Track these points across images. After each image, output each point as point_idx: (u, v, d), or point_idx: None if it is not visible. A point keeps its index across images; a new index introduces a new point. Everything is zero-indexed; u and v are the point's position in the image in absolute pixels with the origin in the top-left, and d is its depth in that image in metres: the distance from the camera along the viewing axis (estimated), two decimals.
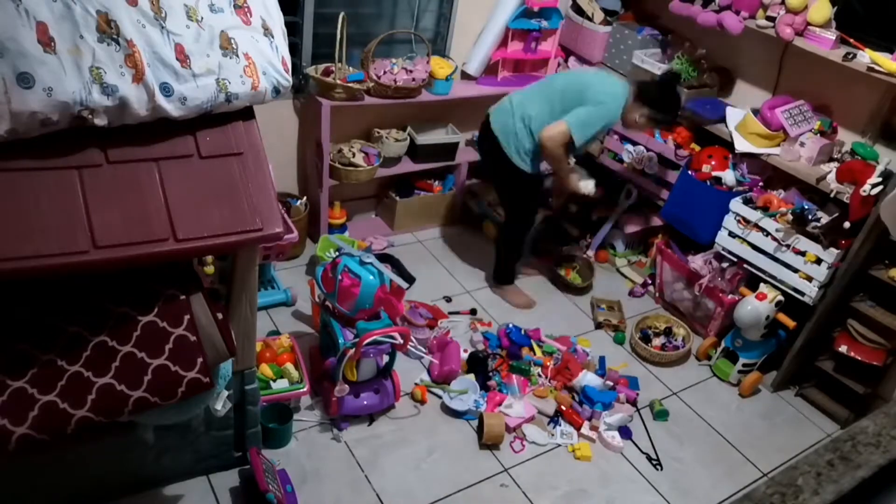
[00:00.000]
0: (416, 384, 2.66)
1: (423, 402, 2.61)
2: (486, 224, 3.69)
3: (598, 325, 3.22)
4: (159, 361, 1.54)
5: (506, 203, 3.22)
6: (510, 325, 2.96)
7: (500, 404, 2.60)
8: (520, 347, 2.88)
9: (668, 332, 3.15)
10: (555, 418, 2.63)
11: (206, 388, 1.59)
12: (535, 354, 2.88)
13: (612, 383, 2.78)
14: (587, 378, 2.75)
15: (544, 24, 3.44)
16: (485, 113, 3.00)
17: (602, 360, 2.96)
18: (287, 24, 1.77)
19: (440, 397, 2.63)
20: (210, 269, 2.57)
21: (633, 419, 2.71)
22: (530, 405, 2.64)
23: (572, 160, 3.01)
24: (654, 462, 2.56)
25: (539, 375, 2.78)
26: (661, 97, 2.81)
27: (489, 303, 3.22)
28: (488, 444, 2.47)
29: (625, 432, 2.64)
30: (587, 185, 2.98)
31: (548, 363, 2.83)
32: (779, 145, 2.90)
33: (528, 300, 3.25)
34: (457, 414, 2.57)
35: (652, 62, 3.36)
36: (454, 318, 3.03)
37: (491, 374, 2.73)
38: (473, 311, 3.12)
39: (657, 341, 3.09)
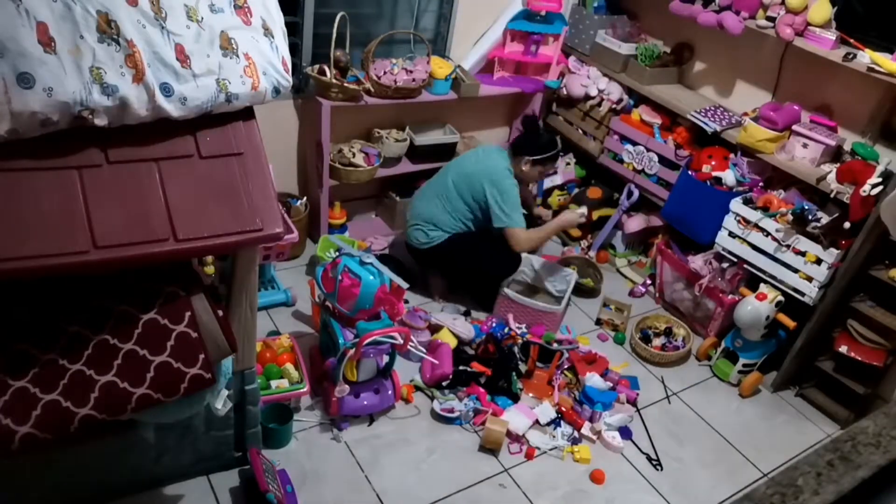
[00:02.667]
0: (403, 384, 2.64)
1: (408, 401, 2.60)
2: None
3: (598, 322, 3.22)
4: (161, 358, 1.54)
5: (473, 268, 3.08)
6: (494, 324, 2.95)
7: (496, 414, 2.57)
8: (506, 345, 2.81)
9: (668, 333, 3.15)
10: (556, 421, 2.63)
11: (208, 384, 1.60)
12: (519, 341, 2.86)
13: (611, 384, 2.78)
14: (593, 380, 2.75)
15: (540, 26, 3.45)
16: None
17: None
18: (287, 24, 1.77)
19: (431, 398, 2.63)
20: (210, 269, 2.57)
21: (633, 419, 2.71)
22: (530, 411, 2.63)
23: (545, 212, 3.32)
24: (654, 462, 2.56)
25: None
26: (530, 144, 2.99)
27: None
28: (487, 448, 2.47)
29: (625, 432, 2.64)
30: (576, 216, 3.05)
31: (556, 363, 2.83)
32: (783, 147, 2.90)
33: None
34: (446, 420, 2.55)
35: (614, 41, 3.52)
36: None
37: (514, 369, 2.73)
38: (467, 313, 3.11)
39: (657, 341, 3.09)
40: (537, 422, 2.60)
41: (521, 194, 3.14)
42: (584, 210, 3.08)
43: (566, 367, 2.85)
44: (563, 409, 2.65)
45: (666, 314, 3.32)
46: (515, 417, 2.56)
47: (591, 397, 2.67)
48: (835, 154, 2.82)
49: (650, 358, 3.04)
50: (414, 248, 3.08)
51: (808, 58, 2.80)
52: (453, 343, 2.78)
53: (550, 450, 2.52)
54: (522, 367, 2.78)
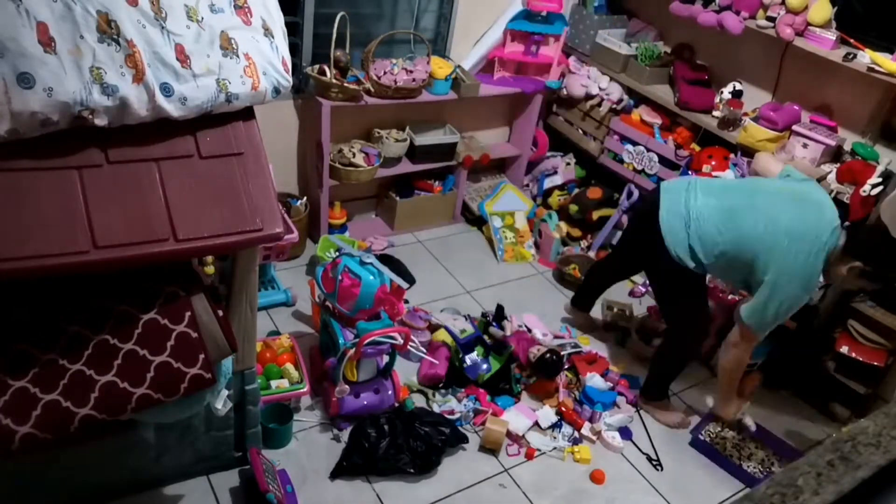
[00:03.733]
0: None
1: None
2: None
3: (606, 327, 3.22)
4: (161, 358, 1.54)
5: (667, 304, 2.62)
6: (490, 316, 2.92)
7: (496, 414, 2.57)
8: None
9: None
10: (556, 422, 2.62)
11: (208, 384, 1.60)
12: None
13: (611, 384, 2.78)
14: (594, 380, 2.75)
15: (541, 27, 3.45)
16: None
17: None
18: (287, 24, 1.77)
19: (426, 398, 2.63)
20: (210, 269, 2.57)
21: (633, 420, 2.71)
22: (531, 412, 2.63)
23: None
24: (655, 463, 2.56)
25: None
26: (882, 255, 2.19)
27: (489, 303, 3.22)
28: (487, 448, 2.47)
29: (625, 433, 2.64)
30: (735, 409, 2.61)
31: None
32: (783, 147, 2.90)
33: (682, 419, 2.73)
34: None
35: (615, 41, 3.50)
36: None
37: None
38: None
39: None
40: (538, 424, 2.60)
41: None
42: (738, 410, 2.61)
43: (566, 366, 2.84)
44: (564, 409, 2.65)
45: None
46: (516, 418, 2.56)
47: (592, 397, 2.67)
48: (835, 154, 2.82)
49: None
50: (656, 223, 2.38)
51: (808, 58, 2.80)
52: (450, 341, 2.77)
53: (551, 451, 2.52)
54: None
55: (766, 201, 2.27)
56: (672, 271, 2.39)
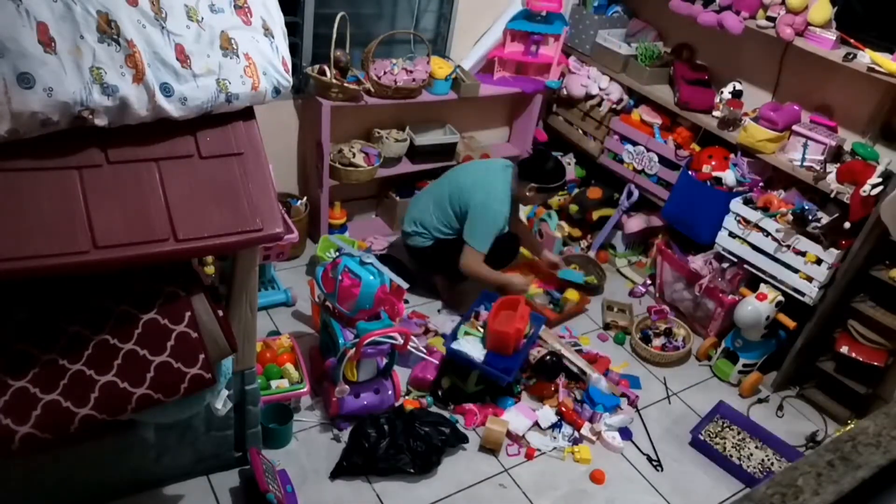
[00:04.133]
0: None
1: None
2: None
3: (607, 326, 3.22)
4: (161, 358, 1.54)
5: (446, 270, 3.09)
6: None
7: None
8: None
9: (668, 333, 3.14)
10: (556, 422, 2.62)
11: (208, 384, 1.60)
12: None
13: (621, 391, 2.78)
14: (600, 383, 2.74)
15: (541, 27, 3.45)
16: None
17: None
18: (287, 24, 1.77)
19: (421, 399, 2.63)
20: (210, 269, 2.57)
21: (634, 420, 2.71)
22: (531, 412, 2.63)
23: (554, 259, 3.25)
24: (655, 463, 2.56)
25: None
26: (539, 170, 2.90)
27: None
28: (487, 448, 2.47)
29: (625, 433, 2.64)
30: (523, 284, 3.05)
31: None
32: (783, 147, 2.90)
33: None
34: None
35: (615, 41, 3.51)
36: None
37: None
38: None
39: (657, 342, 3.09)
40: (538, 424, 2.60)
41: (529, 241, 3.23)
42: (525, 282, 3.07)
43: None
44: (564, 409, 2.64)
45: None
46: (516, 418, 2.56)
47: (594, 398, 2.67)
48: (835, 154, 2.82)
49: (650, 358, 3.04)
50: (407, 246, 3.10)
51: (808, 58, 2.80)
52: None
53: (551, 451, 2.52)
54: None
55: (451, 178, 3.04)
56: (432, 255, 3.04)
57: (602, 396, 2.69)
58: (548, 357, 2.67)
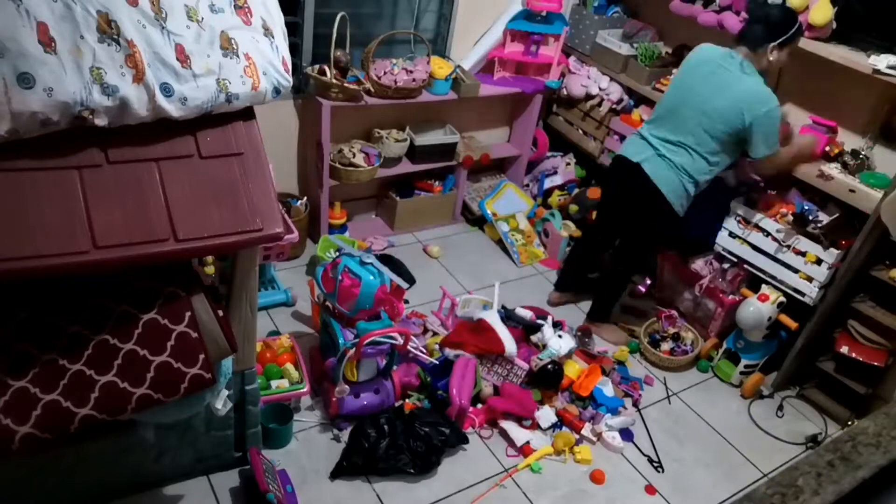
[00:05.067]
0: None
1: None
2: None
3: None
4: (161, 358, 1.54)
5: (634, 238, 2.97)
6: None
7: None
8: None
9: (675, 338, 3.12)
10: (556, 423, 2.62)
11: (208, 384, 1.60)
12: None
13: (632, 394, 2.78)
14: (607, 387, 2.74)
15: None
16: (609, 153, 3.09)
17: (623, 368, 2.97)
18: (287, 25, 1.77)
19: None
20: (210, 269, 2.57)
21: (635, 422, 2.71)
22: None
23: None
24: (655, 464, 2.56)
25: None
26: (769, 26, 2.54)
27: None
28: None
29: (625, 433, 2.64)
30: (812, 141, 2.81)
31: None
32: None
33: (624, 337, 3.16)
34: None
35: (614, 41, 3.52)
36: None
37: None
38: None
39: (665, 346, 3.07)
40: (538, 424, 2.60)
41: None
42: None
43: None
44: (564, 414, 2.64)
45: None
46: (514, 428, 2.55)
47: (597, 399, 2.67)
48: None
49: (659, 362, 3.03)
50: (645, 181, 2.70)
51: (808, 58, 2.80)
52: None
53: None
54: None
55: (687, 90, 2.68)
56: (658, 213, 2.77)
57: (606, 399, 2.69)
58: (549, 365, 2.66)
